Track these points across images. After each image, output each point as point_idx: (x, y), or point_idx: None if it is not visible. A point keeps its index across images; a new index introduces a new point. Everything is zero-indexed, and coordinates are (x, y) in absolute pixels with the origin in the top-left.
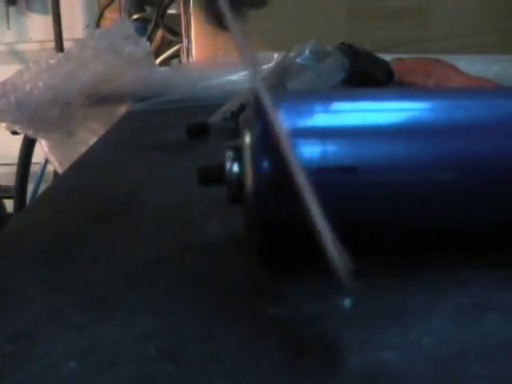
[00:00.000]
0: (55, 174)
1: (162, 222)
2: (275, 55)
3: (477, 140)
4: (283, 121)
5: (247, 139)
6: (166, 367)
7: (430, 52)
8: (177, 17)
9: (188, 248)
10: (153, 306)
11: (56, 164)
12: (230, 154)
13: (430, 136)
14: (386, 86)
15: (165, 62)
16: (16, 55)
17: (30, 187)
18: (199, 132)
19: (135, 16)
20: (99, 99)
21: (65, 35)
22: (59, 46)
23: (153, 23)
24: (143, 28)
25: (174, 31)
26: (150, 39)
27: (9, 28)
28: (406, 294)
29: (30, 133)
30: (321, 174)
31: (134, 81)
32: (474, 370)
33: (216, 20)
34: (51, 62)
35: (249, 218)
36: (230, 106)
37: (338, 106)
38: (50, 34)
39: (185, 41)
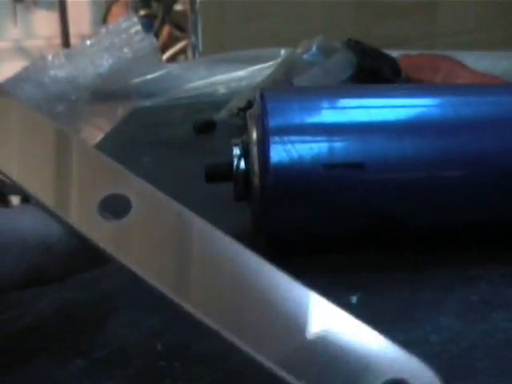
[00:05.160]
0: None
1: None
2: (282, 51)
3: (484, 136)
4: (291, 117)
5: (254, 135)
6: (172, 364)
7: (437, 48)
8: (183, 13)
9: None
10: (159, 302)
11: None
12: (236, 150)
13: (438, 132)
14: (393, 82)
15: (171, 58)
16: (23, 51)
17: None
18: (206, 128)
19: (142, 12)
20: (105, 95)
21: (71, 31)
22: (66, 42)
23: (159, 19)
24: (150, 24)
25: (181, 27)
26: (157, 35)
27: (16, 24)
28: (413, 291)
29: None
30: (328, 170)
31: (141, 77)
32: (481, 367)
33: None
34: (57, 58)
35: (255, 214)
36: (236, 103)
37: (345, 102)
38: (56, 30)
39: (191, 37)
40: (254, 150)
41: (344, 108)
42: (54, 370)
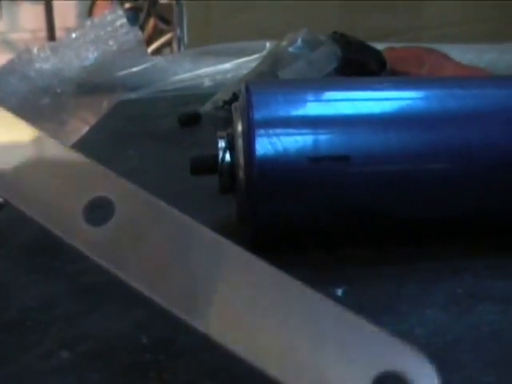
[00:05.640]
0: None
1: None
2: (267, 44)
3: (469, 129)
4: (276, 110)
5: (239, 128)
6: (157, 357)
7: (423, 41)
8: (169, 5)
9: None
10: (144, 295)
11: None
12: (222, 143)
13: (423, 125)
14: (378, 74)
15: (157, 51)
16: (8, 44)
17: None
18: (191, 121)
19: (127, 5)
20: (91, 88)
21: (57, 24)
22: (51, 34)
23: (145, 12)
24: (135, 17)
25: (166, 20)
26: (142, 28)
27: (1, 17)
28: (399, 284)
29: None
30: (313, 162)
31: (126, 70)
32: (467, 359)
33: None
34: (42, 50)
35: (240, 207)
36: (221, 95)
37: (330, 95)
38: (42, 23)
39: (177, 30)
40: (239, 143)
41: (329, 101)
42: (39, 363)
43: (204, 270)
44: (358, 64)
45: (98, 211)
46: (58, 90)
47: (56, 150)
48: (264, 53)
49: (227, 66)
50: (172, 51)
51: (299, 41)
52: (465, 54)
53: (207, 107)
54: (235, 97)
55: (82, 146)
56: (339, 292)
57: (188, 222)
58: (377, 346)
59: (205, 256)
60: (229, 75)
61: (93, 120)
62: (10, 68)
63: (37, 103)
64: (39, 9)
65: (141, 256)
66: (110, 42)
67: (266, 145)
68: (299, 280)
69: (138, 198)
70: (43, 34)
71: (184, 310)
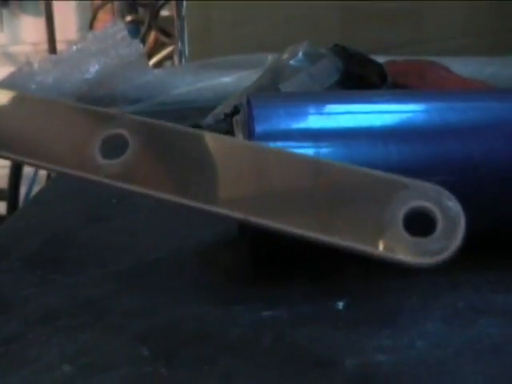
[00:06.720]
0: (48, 176)
1: (154, 225)
2: (268, 57)
3: (470, 142)
4: (277, 123)
5: None
6: (158, 369)
7: (424, 54)
8: (170, 18)
9: (180, 251)
10: (145, 308)
11: None
12: None
13: (424, 138)
14: (379, 87)
15: (158, 64)
16: (9, 57)
17: (23, 190)
18: None
19: (128, 18)
20: (91, 101)
21: (58, 37)
22: (52, 47)
23: (146, 25)
24: (136, 30)
25: (167, 33)
26: (143, 41)
27: (2, 30)
28: (399, 297)
29: None
30: None
31: (127, 83)
32: (467, 372)
33: None
34: (43, 63)
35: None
36: (223, 108)
37: (331, 108)
38: (43, 36)
39: (178, 43)
40: None
41: (330, 114)
42: (40, 376)
43: (221, 170)
44: (359, 77)
45: (114, 148)
46: None
47: (62, 104)
48: (265, 66)
49: (228, 79)
50: (173, 64)
51: (300, 54)
52: (466, 67)
53: (208, 120)
54: (236, 110)
55: None
56: (340, 305)
57: (197, 134)
58: (400, 188)
59: (220, 158)
60: (230, 88)
61: None
62: (10, 81)
63: None
64: (40, 22)
65: (162, 173)
66: (111, 55)
67: None
68: (300, 294)
69: (147, 127)
70: (44, 46)
71: (219, 204)
